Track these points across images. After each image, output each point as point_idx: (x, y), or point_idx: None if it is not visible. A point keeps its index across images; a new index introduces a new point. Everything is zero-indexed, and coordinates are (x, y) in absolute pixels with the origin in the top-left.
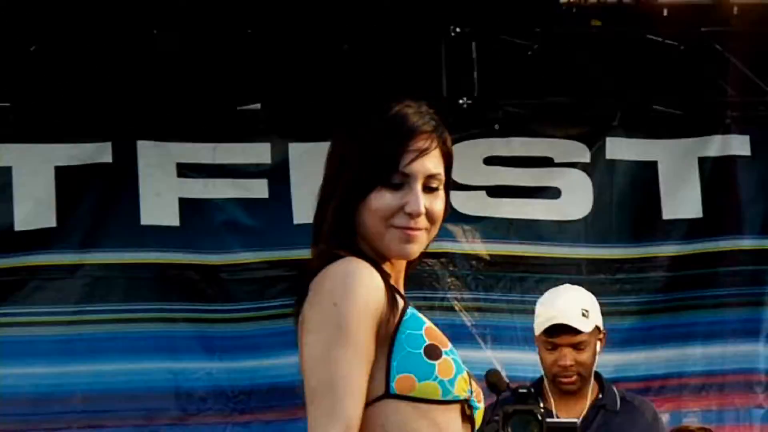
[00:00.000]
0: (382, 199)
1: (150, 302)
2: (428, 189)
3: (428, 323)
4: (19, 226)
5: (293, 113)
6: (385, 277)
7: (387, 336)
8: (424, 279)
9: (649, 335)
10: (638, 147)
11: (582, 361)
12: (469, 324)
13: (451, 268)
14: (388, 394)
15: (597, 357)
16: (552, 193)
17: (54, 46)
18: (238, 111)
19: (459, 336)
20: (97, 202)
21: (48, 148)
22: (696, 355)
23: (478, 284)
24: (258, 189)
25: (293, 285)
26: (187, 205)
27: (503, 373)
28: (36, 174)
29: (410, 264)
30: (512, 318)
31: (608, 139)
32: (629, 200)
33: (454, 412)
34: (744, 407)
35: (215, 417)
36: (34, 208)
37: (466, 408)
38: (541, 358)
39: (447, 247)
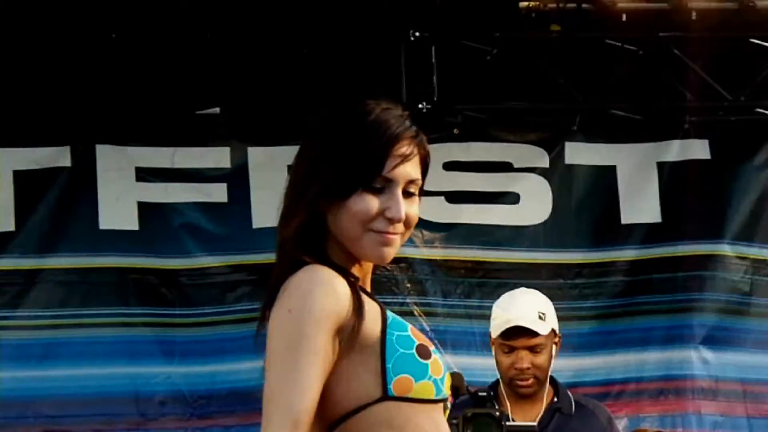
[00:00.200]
0: (363, 203)
1: (109, 307)
2: (406, 194)
3: (410, 324)
4: None
5: (252, 117)
6: (353, 282)
7: (372, 339)
8: (383, 284)
9: (608, 340)
10: (597, 152)
11: (538, 364)
12: (428, 329)
13: (410, 273)
14: (387, 397)
15: (552, 360)
16: (511, 198)
17: (12, 51)
18: (197, 115)
19: None
20: (55, 207)
21: (6, 152)
22: (655, 359)
23: (437, 289)
24: (217, 193)
25: (253, 289)
26: (146, 209)
27: None
28: None
29: (374, 267)
30: (471, 323)
31: (567, 144)
32: (588, 205)
33: (441, 410)
34: (700, 412)
35: (175, 421)
36: None
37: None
38: (497, 361)
39: (406, 252)
